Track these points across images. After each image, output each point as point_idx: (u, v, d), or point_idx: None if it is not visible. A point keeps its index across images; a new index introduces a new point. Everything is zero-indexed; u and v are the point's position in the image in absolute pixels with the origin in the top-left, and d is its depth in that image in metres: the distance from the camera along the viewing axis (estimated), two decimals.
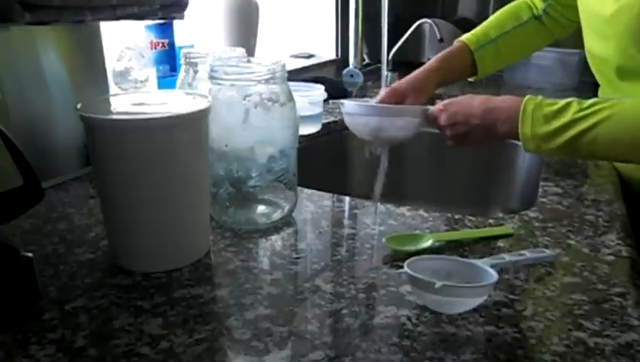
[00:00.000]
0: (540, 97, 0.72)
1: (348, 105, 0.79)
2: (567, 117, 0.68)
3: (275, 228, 0.66)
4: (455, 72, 0.95)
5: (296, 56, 1.71)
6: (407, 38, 1.61)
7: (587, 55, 0.88)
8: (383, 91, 0.87)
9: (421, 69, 0.91)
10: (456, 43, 0.97)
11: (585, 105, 0.68)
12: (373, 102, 0.87)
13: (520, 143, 0.72)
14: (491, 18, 0.98)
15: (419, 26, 1.63)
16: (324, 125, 1.17)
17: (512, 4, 1.00)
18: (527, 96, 0.72)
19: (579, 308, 0.49)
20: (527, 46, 1.01)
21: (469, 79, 0.99)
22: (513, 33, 0.96)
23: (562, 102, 0.70)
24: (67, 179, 0.81)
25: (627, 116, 0.66)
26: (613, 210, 0.71)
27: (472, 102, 0.76)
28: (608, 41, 0.79)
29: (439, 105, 0.78)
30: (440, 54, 0.94)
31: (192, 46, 1.15)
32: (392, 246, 0.60)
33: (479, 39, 0.95)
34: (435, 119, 0.79)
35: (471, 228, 0.66)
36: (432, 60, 0.93)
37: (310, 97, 1.22)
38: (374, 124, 0.77)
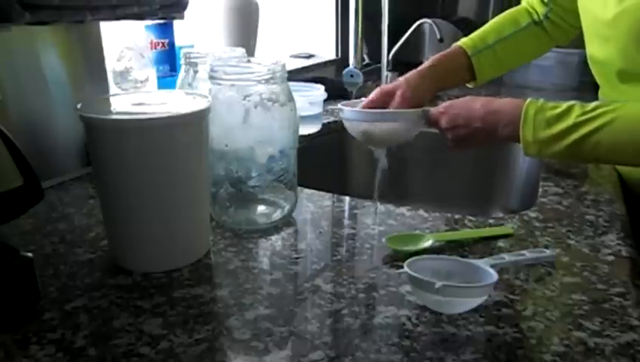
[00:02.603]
0: (541, 100, 0.70)
1: (347, 112, 0.78)
2: (569, 120, 0.67)
3: (275, 228, 0.66)
4: (450, 75, 0.94)
5: (296, 56, 1.71)
6: (407, 38, 1.61)
7: (588, 58, 0.87)
8: (374, 93, 0.86)
9: (415, 70, 0.90)
10: (452, 47, 0.96)
11: (588, 109, 0.67)
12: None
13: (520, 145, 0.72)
14: (489, 23, 0.97)
15: (419, 26, 1.63)
16: (324, 125, 1.17)
17: (510, 10, 0.98)
18: (529, 100, 0.70)
19: (579, 308, 0.49)
20: (526, 52, 0.99)
21: (468, 85, 0.98)
22: (511, 39, 0.95)
23: (564, 105, 0.69)
24: (67, 179, 0.81)
25: (631, 120, 0.65)
26: (613, 210, 0.71)
27: (474, 105, 0.75)
28: (609, 43, 0.78)
29: (440, 107, 0.78)
30: (435, 56, 0.93)
31: (192, 46, 1.15)
32: (392, 246, 0.60)
33: (476, 44, 0.94)
34: (435, 122, 0.78)
35: (471, 228, 0.66)
36: (426, 62, 0.92)
37: (310, 97, 1.22)
38: (373, 130, 0.76)
